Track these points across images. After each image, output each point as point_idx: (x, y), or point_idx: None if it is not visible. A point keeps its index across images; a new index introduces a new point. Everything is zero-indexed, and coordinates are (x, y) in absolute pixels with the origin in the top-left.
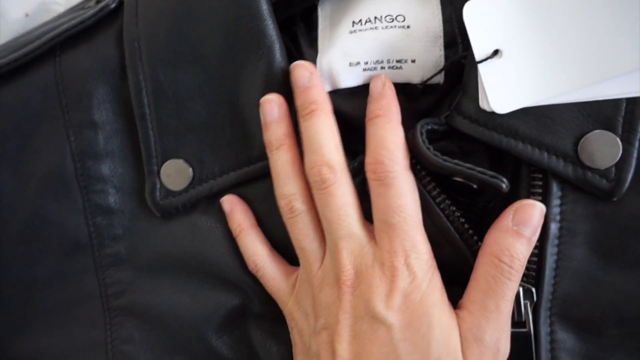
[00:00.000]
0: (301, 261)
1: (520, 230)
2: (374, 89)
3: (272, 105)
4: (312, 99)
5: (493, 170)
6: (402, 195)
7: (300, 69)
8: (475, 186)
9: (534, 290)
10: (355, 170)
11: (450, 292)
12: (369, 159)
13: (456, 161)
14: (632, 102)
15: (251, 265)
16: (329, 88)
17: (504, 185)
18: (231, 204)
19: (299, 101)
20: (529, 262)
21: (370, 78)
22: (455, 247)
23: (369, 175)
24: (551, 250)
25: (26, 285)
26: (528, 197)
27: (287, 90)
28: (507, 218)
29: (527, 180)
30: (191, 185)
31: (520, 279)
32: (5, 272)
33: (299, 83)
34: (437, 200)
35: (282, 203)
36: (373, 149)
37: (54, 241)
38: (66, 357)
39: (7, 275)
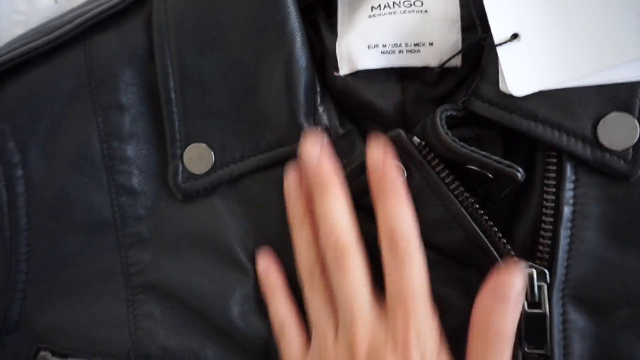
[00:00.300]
0: (314, 335)
1: (503, 301)
2: (372, 159)
3: (289, 182)
4: (322, 179)
5: (508, 157)
6: (416, 270)
7: (310, 146)
8: (490, 175)
9: (547, 272)
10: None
11: (463, 272)
12: (383, 232)
13: (473, 148)
14: None
15: (277, 326)
16: (347, 70)
17: (519, 175)
18: (267, 263)
19: (309, 178)
20: (543, 245)
21: (389, 62)
22: (470, 231)
23: (384, 247)
24: (564, 233)
25: (53, 261)
26: (542, 182)
27: (307, 77)
28: (490, 289)
29: (542, 165)
30: (213, 169)
31: (512, 345)
32: (35, 248)
33: (309, 162)
34: (451, 187)
35: (302, 276)
36: (386, 222)
37: (79, 219)
38: (89, 332)
39: (36, 251)
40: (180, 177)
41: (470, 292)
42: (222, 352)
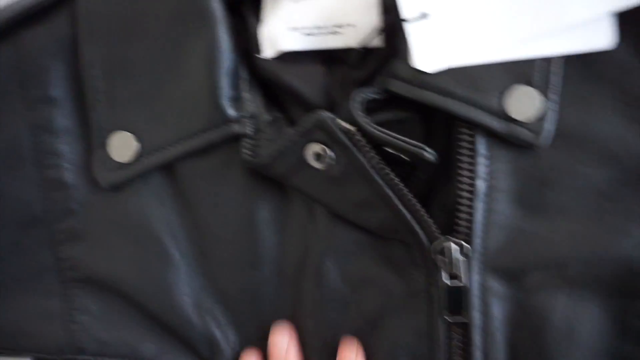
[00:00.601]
0: None
1: None
2: (275, 347)
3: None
4: None
5: (429, 137)
6: None
7: (279, 337)
8: (405, 157)
9: (466, 245)
10: (305, 134)
11: (391, 250)
12: None
13: (384, 130)
14: (546, 60)
15: None
16: (270, 53)
17: (426, 155)
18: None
19: None
20: (461, 219)
21: (311, 43)
22: (395, 210)
23: None
24: (480, 207)
25: None
26: (458, 159)
27: (230, 62)
28: None
29: (457, 142)
30: (138, 157)
31: None
32: None
33: (277, 354)
34: (377, 168)
35: None
36: None
37: (9, 214)
38: (21, 327)
39: None
40: (105, 167)
41: (397, 269)
42: (160, 346)
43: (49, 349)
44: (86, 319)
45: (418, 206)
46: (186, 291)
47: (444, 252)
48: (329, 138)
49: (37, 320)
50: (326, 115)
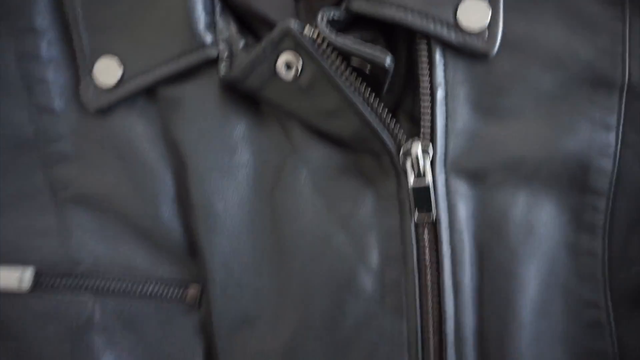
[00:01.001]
0: None
1: None
2: None
3: None
4: None
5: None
6: None
7: None
8: (367, 69)
9: (430, 148)
10: (274, 42)
11: (359, 159)
12: None
13: (347, 37)
14: None
15: None
16: None
17: (387, 59)
18: None
19: None
20: (424, 126)
21: None
22: (363, 117)
23: None
24: (440, 112)
25: None
26: (419, 71)
27: None
28: None
29: (417, 55)
30: (121, 81)
31: None
32: None
33: None
34: (344, 76)
35: None
36: None
37: (1, 138)
38: (18, 243)
39: None
40: (92, 92)
41: (368, 178)
42: (151, 259)
43: (48, 262)
44: (81, 234)
45: (384, 113)
46: (170, 205)
47: (410, 155)
48: (296, 45)
49: (34, 237)
50: (293, 23)
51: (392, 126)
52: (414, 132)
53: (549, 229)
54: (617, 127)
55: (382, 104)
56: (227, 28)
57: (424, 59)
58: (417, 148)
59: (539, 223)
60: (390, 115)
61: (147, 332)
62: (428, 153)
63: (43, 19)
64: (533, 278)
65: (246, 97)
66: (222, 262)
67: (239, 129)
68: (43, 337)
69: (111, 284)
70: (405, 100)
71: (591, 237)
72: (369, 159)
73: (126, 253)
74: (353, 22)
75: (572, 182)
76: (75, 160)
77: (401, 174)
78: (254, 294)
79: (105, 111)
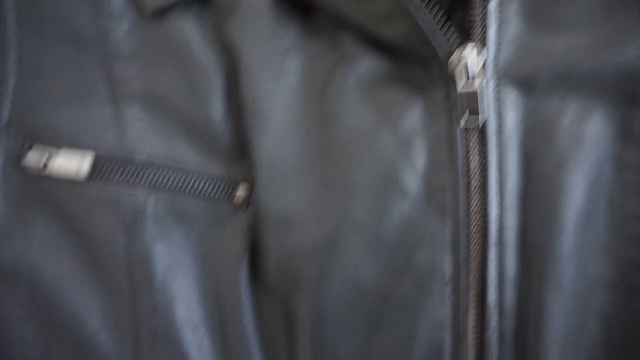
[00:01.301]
0: None
1: None
2: None
3: None
4: None
5: None
6: None
7: None
8: None
9: (480, 50)
10: None
11: (410, 71)
12: None
13: None
14: None
15: None
16: None
17: None
18: None
19: None
20: (474, 34)
21: None
22: (414, 22)
23: None
24: (492, 19)
25: (41, 70)
26: None
27: None
28: None
29: None
30: None
31: None
32: (23, 57)
33: None
34: None
35: None
36: None
37: (62, 34)
38: (79, 132)
39: (25, 59)
40: None
41: (418, 87)
42: (203, 156)
43: (104, 152)
44: (137, 128)
45: (437, 18)
46: (222, 106)
47: (460, 60)
48: None
49: (92, 128)
50: None
51: (444, 32)
52: (465, 42)
53: (597, 140)
54: None
55: (436, 9)
56: None
57: None
58: (468, 51)
59: (587, 134)
60: (443, 21)
61: (196, 228)
62: (479, 57)
63: None
64: (578, 188)
65: (299, 5)
66: (269, 161)
67: (291, 35)
68: (99, 226)
69: (164, 177)
70: (456, 11)
71: (638, 150)
72: (419, 69)
73: (180, 148)
74: None
75: (622, 93)
76: (133, 60)
77: (450, 82)
78: (299, 193)
79: (162, 14)
